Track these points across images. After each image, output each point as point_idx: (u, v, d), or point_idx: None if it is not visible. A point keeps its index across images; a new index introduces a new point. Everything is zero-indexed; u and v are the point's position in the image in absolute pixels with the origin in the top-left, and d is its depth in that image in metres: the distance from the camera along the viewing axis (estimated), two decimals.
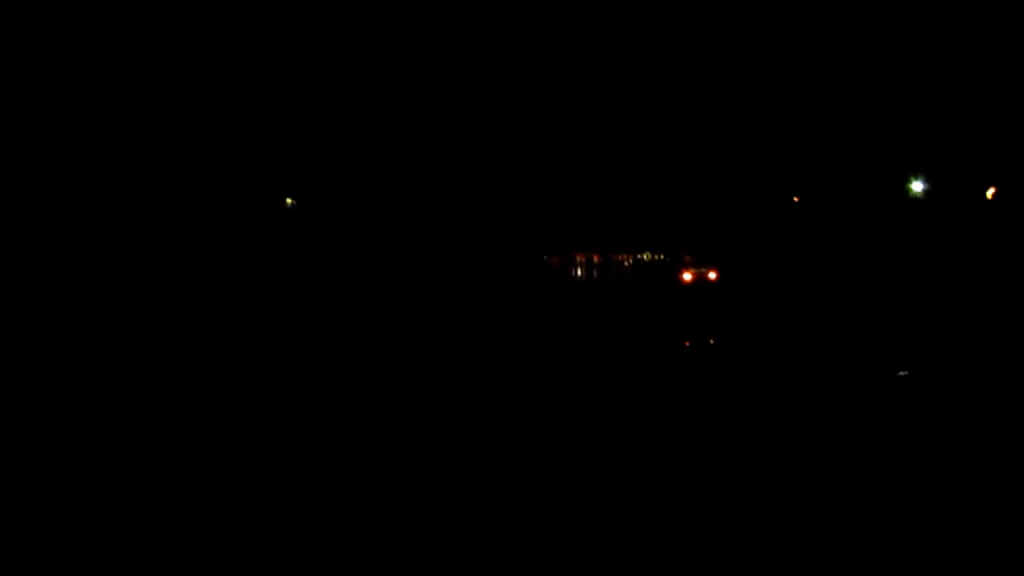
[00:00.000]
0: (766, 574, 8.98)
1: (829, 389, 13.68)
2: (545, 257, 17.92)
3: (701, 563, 9.05)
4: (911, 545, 9.27)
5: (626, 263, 17.91)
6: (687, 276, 17.45)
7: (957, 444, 11.73)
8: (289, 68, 17.70)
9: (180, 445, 11.26)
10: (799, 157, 18.11)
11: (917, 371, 14.36)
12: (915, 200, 17.64)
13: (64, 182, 16.85)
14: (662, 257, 17.79)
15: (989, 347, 14.77)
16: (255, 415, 12.18)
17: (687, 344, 15.91)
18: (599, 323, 16.67)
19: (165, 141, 17.46)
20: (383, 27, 17.74)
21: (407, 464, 10.91)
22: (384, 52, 17.85)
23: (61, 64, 16.93)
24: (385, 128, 18.10)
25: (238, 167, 17.77)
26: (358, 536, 9.38)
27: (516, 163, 18.39)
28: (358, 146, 18.14)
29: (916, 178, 17.58)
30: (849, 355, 15.08)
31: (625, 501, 10.14)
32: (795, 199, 17.83)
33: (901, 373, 14.19)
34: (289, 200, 17.75)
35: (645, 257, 17.92)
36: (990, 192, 16.40)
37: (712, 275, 17.43)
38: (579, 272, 17.98)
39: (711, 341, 16.02)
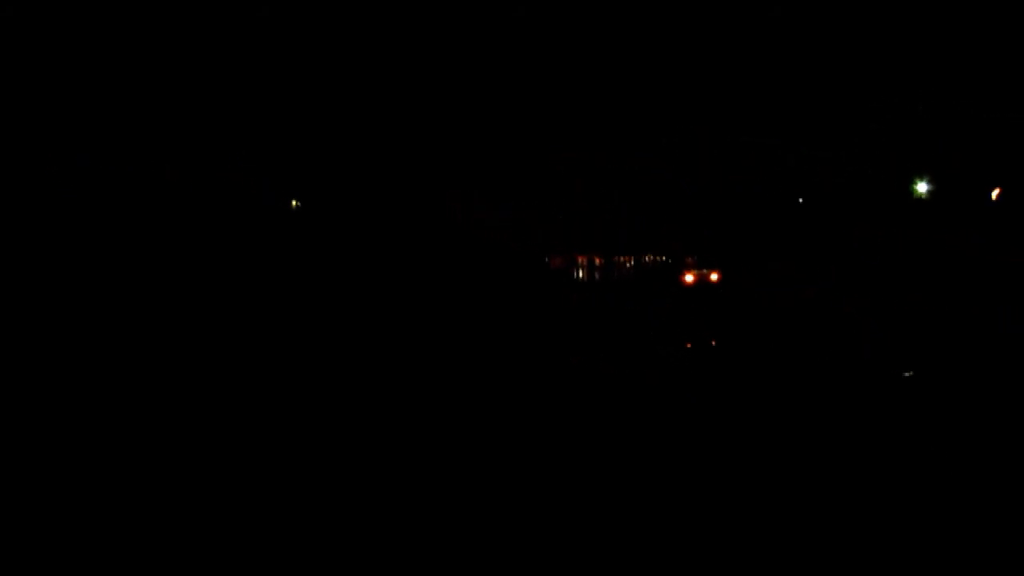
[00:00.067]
0: (766, 574, 8.98)
1: (829, 389, 13.68)
2: (547, 259, 17.91)
3: (701, 563, 9.05)
4: (912, 545, 9.27)
5: (627, 265, 17.89)
6: (689, 278, 17.44)
7: (957, 444, 11.73)
8: (289, 68, 17.69)
9: (180, 447, 11.26)
10: (799, 157, 18.10)
11: (917, 371, 14.36)
12: (915, 200, 17.63)
13: (64, 182, 16.84)
14: (664, 259, 17.78)
15: (989, 347, 14.77)
16: (255, 416, 12.17)
17: (688, 345, 15.91)
18: (599, 323, 16.67)
19: (165, 141, 17.45)
20: (383, 26, 17.73)
21: (408, 463, 10.91)
22: (384, 51, 17.85)
23: (61, 64, 16.92)
24: (384, 127, 18.09)
25: (238, 167, 17.76)
26: (358, 536, 9.38)
27: (516, 163, 18.38)
28: (358, 146, 18.13)
29: (917, 178, 17.58)
30: (849, 355, 15.08)
31: (625, 501, 10.14)
32: (800, 200, 17.81)
33: (907, 374, 14.19)
34: (295, 202, 17.75)
35: (647, 259, 17.91)
36: (995, 193, 16.40)
37: (714, 276, 17.43)
38: (581, 274, 17.97)
39: (713, 343, 16.02)
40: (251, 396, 12.78)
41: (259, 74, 17.62)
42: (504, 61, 17.90)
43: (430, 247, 17.53)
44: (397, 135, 18.11)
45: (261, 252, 16.86)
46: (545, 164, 18.50)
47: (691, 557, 9.08)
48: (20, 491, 10.02)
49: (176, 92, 17.36)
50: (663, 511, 9.92)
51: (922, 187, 17.62)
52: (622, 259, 17.96)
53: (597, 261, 17.99)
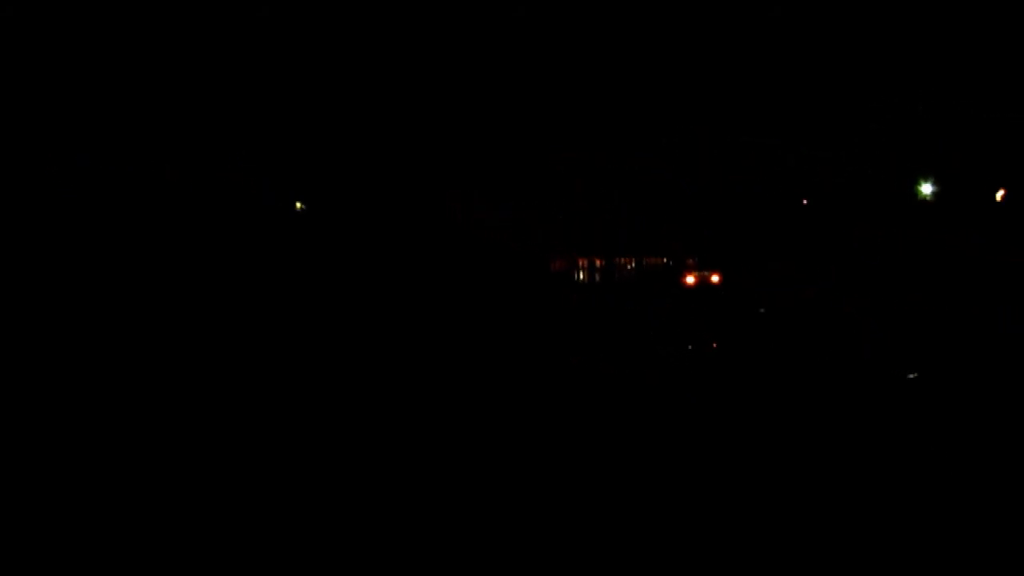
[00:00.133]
0: (766, 574, 8.98)
1: (829, 389, 13.68)
2: (548, 261, 17.91)
3: (701, 563, 9.05)
4: (912, 545, 9.27)
5: (629, 267, 17.90)
6: (690, 279, 17.45)
7: (957, 444, 11.73)
8: (288, 68, 17.69)
9: (180, 448, 11.26)
10: (799, 157, 18.10)
11: (917, 371, 14.36)
12: (915, 200, 17.63)
13: (64, 182, 16.84)
14: (666, 261, 17.79)
15: (989, 347, 14.77)
16: (255, 416, 12.17)
17: (690, 347, 15.91)
18: (599, 324, 16.67)
19: (165, 141, 17.45)
20: (383, 26, 17.73)
21: (409, 462, 10.91)
22: (384, 51, 17.85)
23: (61, 64, 16.92)
24: (384, 127, 18.09)
25: (238, 167, 17.76)
26: (359, 535, 9.38)
27: (516, 163, 18.38)
28: (357, 146, 18.13)
29: (917, 178, 17.57)
30: (849, 355, 15.08)
31: (624, 500, 10.14)
32: (804, 201, 17.81)
33: (911, 375, 14.19)
34: (299, 204, 17.75)
35: (648, 261, 17.91)
36: (999, 194, 16.40)
37: (715, 278, 17.43)
38: (582, 275, 17.97)
39: (714, 345, 16.02)
40: (251, 395, 12.79)
41: (259, 74, 17.62)
42: (504, 61, 17.90)
43: (430, 247, 17.53)
44: (397, 135, 18.11)
45: (261, 252, 16.85)
46: (545, 164, 18.50)
47: (691, 557, 9.08)
48: (20, 491, 10.02)
49: (176, 92, 17.36)
50: (663, 509, 9.92)
51: (922, 187, 17.62)
52: (623, 261, 17.96)
53: (598, 263, 17.99)
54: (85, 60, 16.96)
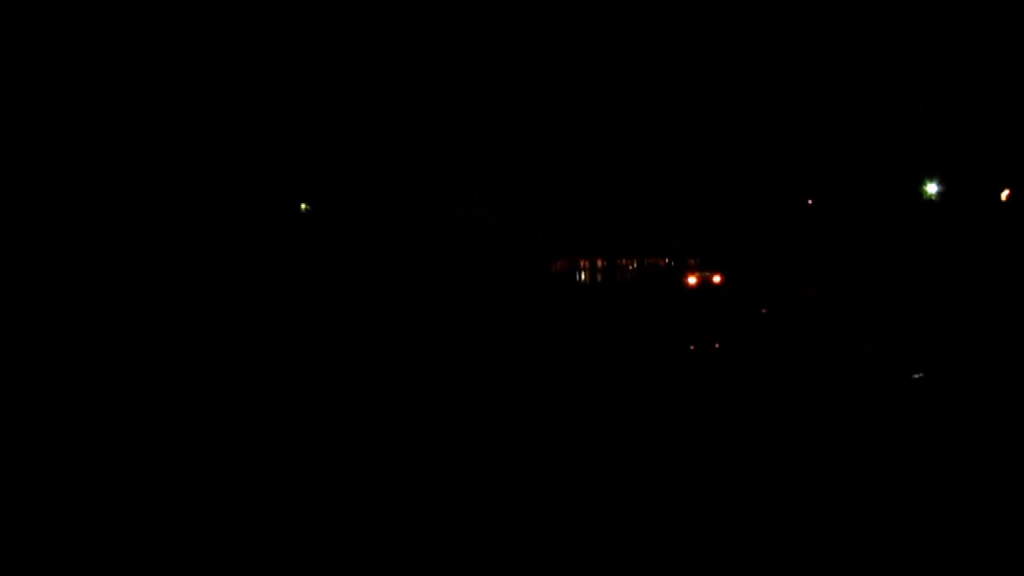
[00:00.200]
0: (766, 574, 8.97)
1: (829, 389, 13.68)
2: (549, 261, 17.90)
3: (702, 563, 9.05)
4: (911, 545, 9.27)
5: (630, 268, 17.89)
6: (692, 280, 17.45)
7: (958, 444, 11.73)
8: (288, 68, 17.69)
9: (182, 448, 11.26)
10: (799, 157, 18.09)
11: (918, 372, 14.36)
12: (916, 200, 17.63)
13: (64, 182, 16.84)
14: (667, 262, 17.78)
15: (990, 347, 14.77)
16: (255, 416, 12.17)
17: (692, 348, 15.91)
18: (600, 324, 16.66)
19: (165, 141, 17.45)
20: (383, 26, 17.73)
21: (410, 463, 10.92)
22: (384, 51, 17.84)
23: (61, 64, 16.92)
24: (384, 127, 18.09)
25: (238, 167, 17.76)
26: (359, 535, 9.38)
27: (516, 163, 18.38)
28: (357, 145, 18.12)
29: (917, 178, 17.57)
30: (849, 355, 15.07)
31: (625, 500, 10.14)
32: (809, 201, 17.81)
33: (917, 375, 14.19)
34: (304, 205, 17.76)
35: (650, 262, 17.91)
36: (1005, 194, 16.40)
37: (716, 279, 17.43)
38: (583, 276, 17.97)
39: (716, 345, 16.02)
40: (251, 394, 12.78)
41: (259, 74, 17.62)
42: (504, 62, 17.90)
43: (430, 247, 17.53)
44: (397, 135, 18.10)
45: (261, 252, 16.85)
46: (545, 164, 18.50)
47: (691, 557, 9.08)
48: (20, 490, 10.01)
49: (176, 92, 17.36)
50: (663, 510, 9.92)
51: (923, 187, 17.62)
52: (625, 262, 17.96)
53: (599, 264, 17.99)
54: (85, 60, 16.96)
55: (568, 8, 17.81)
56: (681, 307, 17.12)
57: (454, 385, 13.57)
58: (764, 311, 16.73)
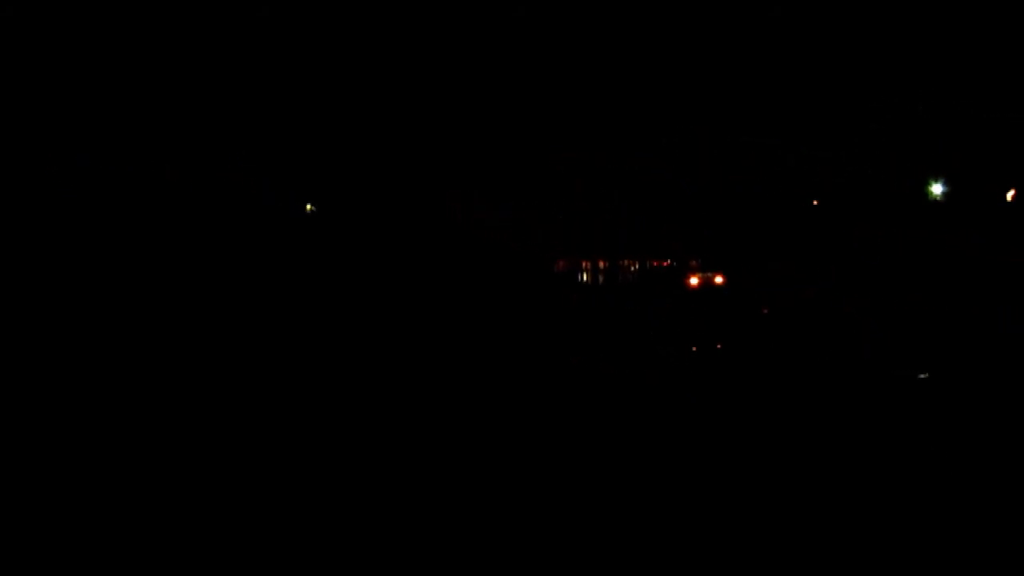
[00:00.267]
0: (766, 574, 8.97)
1: (829, 389, 13.68)
2: (551, 263, 17.91)
3: (702, 563, 9.04)
4: (911, 545, 9.27)
5: (632, 268, 17.91)
6: (693, 281, 17.46)
7: (958, 443, 11.73)
8: (289, 68, 17.69)
9: (183, 447, 11.25)
10: (799, 157, 18.10)
11: (918, 372, 14.36)
12: (915, 200, 17.64)
13: (64, 182, 16.84)
14: (669, 263, 17.79)
15: (989, 347, 14.77)
16: (255, 416, 12.17)
17: (694, 349, 15.91)
18: (600, 324, 16.67)
19: (165, 141, 17.45)
20: (383, 26, 17.73)
21: (411, 461, 10.92)
22: (384, 51, 17.85)
23: (61, 64, 16.92)
24: (385, 127, 18.09)
25: (238, 167, 17.76)
26: (359, 534, 9.37)
27: (516, 163, 18.38)
28: (358, 145, 18.13)
29: (917, 178, 17.58)
30: (849, 355, 15.08)
31: (625, 500, 10.14)
32: (814, 202, 17.82)
33: (922, 375, 14.19)
34: (309, 206, 17.77)
35: (651, 263, 17.92)
36: (1010, 194, 16.41)
37: (718, 279, 17.44)
38: (585, 277, 17.98)
39: (718, 346, 16.02)
40: (251, 394, 12.78)
41: (259, 75, 17.62)
42: (504, 62, 17.91)
43: (430, 247, 17.53)
44: (397, 135, 18.11)
45: (260, 252, 16.85)
46: (545, 164, 18.50)
47: (692, 556, 9.08)
48: (20, 490, 10.01)
49: (177, 92, 17.36)
50: (663, 510, 9.92)
51: (923, 187, 17.63)
52: (626, 263, 17.96)
53: (601, 264, 18.00)
54: (85, 60, 16.96)
55: (568, 9, 17.82)
56: (682, 307, 17.13)
57: (455, 384, 13.57)
58: (765, 311, 16.74)
